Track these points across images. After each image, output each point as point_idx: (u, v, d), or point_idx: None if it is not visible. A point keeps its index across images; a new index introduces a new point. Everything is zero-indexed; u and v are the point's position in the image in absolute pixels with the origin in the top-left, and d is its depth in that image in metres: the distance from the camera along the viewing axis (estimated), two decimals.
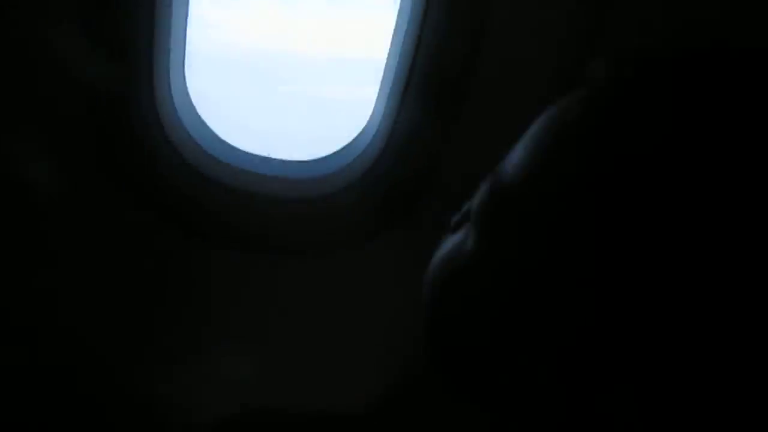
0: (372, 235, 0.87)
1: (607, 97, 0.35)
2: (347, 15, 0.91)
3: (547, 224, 0.35)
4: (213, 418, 0.85)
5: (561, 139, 0.36)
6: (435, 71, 0.78)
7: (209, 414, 0.87)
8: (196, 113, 0.89)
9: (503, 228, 0.38)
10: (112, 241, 0.86)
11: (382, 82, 0.85)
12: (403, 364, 0.89)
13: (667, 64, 0.34)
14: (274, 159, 0.86)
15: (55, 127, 0.80)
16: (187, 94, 0.89)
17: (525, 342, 0.36)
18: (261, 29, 0.95)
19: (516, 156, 0.38)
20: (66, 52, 0.77)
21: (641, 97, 0.34)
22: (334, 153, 0.88)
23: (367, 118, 0.88)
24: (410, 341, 0.89)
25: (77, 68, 0.77)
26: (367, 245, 0.87)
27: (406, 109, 0.80)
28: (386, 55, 0.84)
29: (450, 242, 0.43)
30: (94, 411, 0.91)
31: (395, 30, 0.83)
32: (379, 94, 0.86)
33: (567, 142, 0.35)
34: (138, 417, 0.92)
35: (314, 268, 0.87)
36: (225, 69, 0.96)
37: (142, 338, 0.89)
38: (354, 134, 0.88)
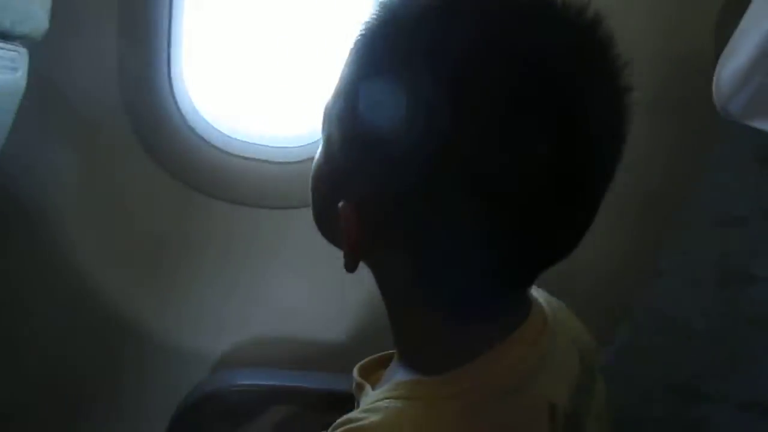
0: None
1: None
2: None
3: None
4: (220, 350, 1.08)
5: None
6: None
7: (217, 347, 1.11)
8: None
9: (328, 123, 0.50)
10: (135, 199, 1.08)
11: None
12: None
13: None
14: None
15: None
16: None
17: None
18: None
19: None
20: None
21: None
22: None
23: None
24: None
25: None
26: None
27: None
28: None
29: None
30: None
31: None
32: None
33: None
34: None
35: (299, 217, 1.10)
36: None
37: (159, 287, 1.10)
38: None
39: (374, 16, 0.46)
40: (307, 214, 1.07)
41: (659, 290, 0.88)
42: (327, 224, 0.54)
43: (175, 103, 1.05)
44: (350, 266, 0.50)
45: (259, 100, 1.14)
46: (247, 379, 1.00)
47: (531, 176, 0.41)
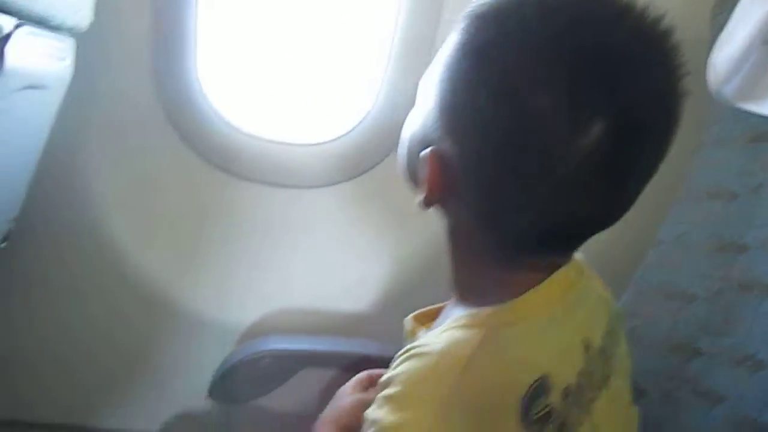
0: (360, 173, 1.18)
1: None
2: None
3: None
4: (247, 322, 1.16)
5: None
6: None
7: (245, 319, 1.18)
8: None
9: None
10: (170, 182, 1.14)
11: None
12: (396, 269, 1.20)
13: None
14: None
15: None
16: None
17: None
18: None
19: None
20: None
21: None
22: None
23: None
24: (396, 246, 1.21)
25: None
26: (357, 179, 1.18)
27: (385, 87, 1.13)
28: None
29: None
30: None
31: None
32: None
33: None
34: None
35: (319, 196, 1.17)
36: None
37: (192, 264, 1.17)
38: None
39: (479, 7, 0.53)
40: (329, 193, 1.15)
41: (659, 258, 0.95)
42: (412, 173, 0.61)
43: (202, 92, 1.12)
44: (426, 205, 0.57)
45: (278, 86, 1.21)
46: (278, 345, 1.08)
47: (586, 151, 0.47)
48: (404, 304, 1.17)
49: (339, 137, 1.16)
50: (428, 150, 0.55)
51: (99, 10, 0.94)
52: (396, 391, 0.52)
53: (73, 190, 1.11)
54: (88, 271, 1.13)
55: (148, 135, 1.12)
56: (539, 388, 0.52)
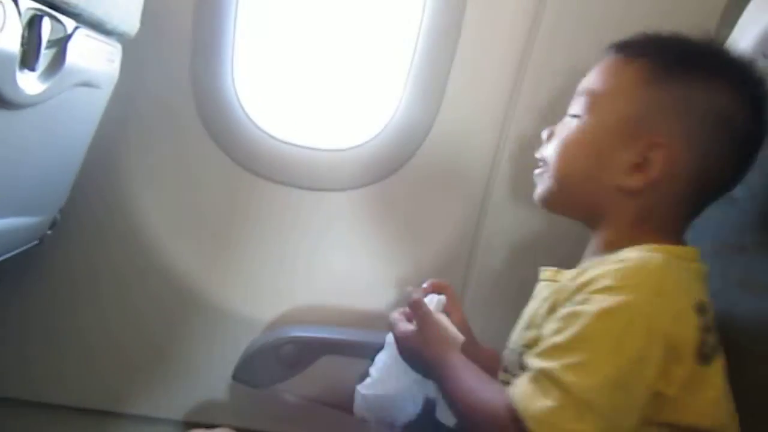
0: (381, 178, 1.25)
1: None
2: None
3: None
4: (270, 316, 1.22)
5: None
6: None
7: (267, 313, 1.25)
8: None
9: None
10: (203, 183, 1.22)
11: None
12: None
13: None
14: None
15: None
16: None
17: None
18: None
19: None
20: None
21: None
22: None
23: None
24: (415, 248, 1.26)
25: None
26: (378, 183, 1.25)
27: (405, 98, 1.21)
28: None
29: None
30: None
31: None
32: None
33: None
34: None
35: (342, 198, 1.24)
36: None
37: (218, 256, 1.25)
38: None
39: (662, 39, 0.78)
40: (351, 196, 1.22)
41: None
42: (577, 184, 0.77)
43: (238, 100, 1.20)
44: (642, 189, 0.73)
45: (307, 95, 1.29)
46: (300, 333, 1.14)
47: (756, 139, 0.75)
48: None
49: (361, 144, 1.23)
50: (646, 148, 0.71)
51: (143, 20, 1.02)
52: (609, 283, 0.64)
53: (111, 187, 1.19)
54: (123, 262, 1.21)
55: (183, 137, 1.20)
56: (702, 307, 0.68)
